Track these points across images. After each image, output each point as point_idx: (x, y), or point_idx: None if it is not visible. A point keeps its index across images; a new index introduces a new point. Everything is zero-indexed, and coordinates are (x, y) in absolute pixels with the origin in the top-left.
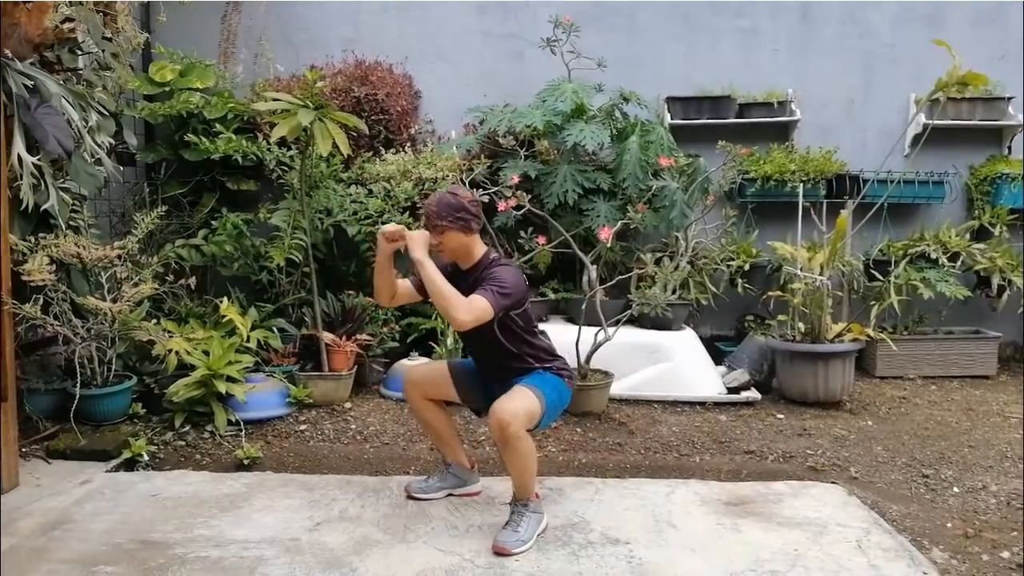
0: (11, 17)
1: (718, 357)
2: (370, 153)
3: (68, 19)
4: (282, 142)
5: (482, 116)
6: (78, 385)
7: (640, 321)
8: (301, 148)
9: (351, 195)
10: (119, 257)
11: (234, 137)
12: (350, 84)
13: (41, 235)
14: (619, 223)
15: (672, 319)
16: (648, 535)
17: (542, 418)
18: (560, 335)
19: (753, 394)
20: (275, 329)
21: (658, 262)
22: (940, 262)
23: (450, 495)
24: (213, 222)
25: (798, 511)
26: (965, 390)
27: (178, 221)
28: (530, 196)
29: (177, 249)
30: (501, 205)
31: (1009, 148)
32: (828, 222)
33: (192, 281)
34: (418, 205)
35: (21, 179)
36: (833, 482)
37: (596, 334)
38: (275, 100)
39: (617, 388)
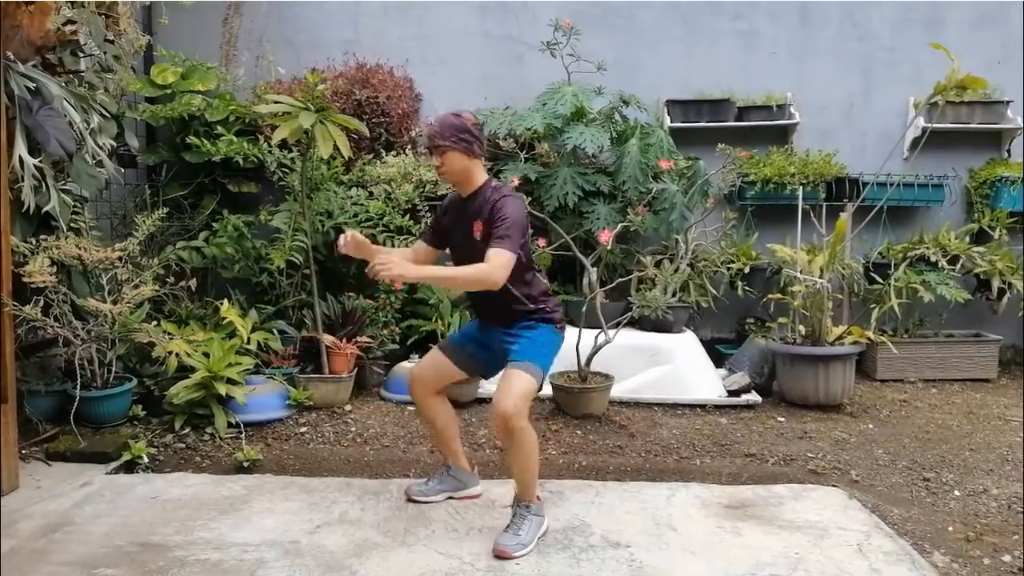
0: (13, 19)
1: (718, 360)
2: (371, 155)
3: (70, 21)
4: (283, 144)
5: (482, 119)
6: (78, 387)
7: (640, 324)
8: (302, 150)
9: (352, 197)
10: (120, 259)
11: (235, 139)
12: (351, 87)
13: (42, 237)
14: (619, 226)
15: (672, 322)
16: (648, 538)
17: (542, 381)
18: None
19: (753, 397)
20: (275, 331)
21: (658, 264)
22: (940, 265)
23: (450, 498)
24: (214, 224)
25: (799, 514)
26: (966, 393)
27: (179, 223)
28: (530, 198)
29: (178, 251)
30: None
31: (1008, 151)
32: (828, 225)
33: (192, 283)
34: (418, 207)
35: (22, 181)
36: (834, 485)
37: (596, 336)
38: (276, 102)
39: (617, 391)
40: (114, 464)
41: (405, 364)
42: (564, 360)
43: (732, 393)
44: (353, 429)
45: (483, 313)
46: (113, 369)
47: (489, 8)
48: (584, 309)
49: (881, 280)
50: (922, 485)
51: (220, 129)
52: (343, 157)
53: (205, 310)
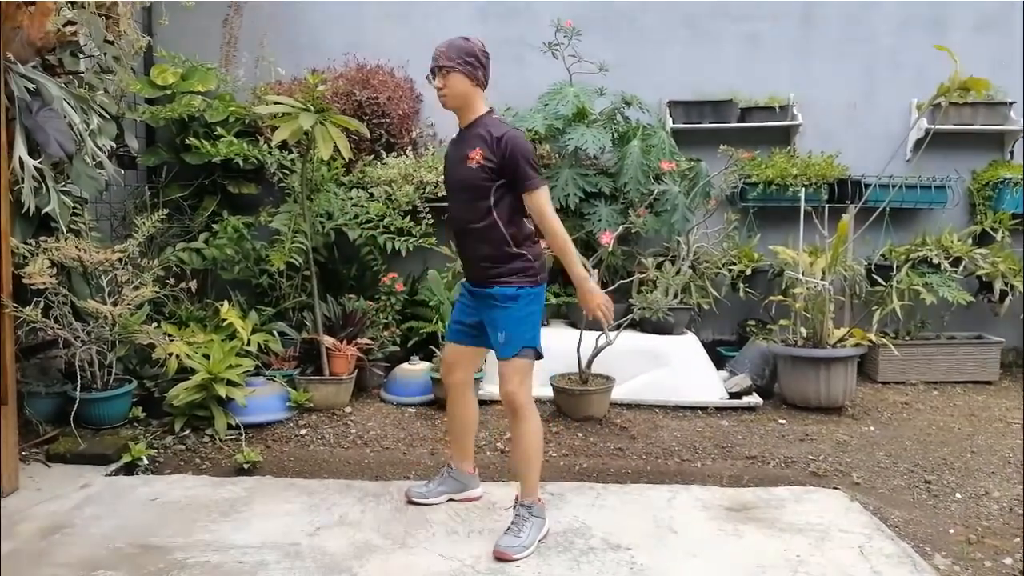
0: (13, 20)
1: (720, 362)
2: (371, 157)
3: (70, 22)
4: (283, 145)
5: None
6: (78, 389)
7: (641, 325)
8: (302, 152)
9: (352, 199)
10: (120, 260)
11: (235, 140)
12: (351, 88)
13: (42, 238)
14: (620, 227)
15: (674, 324)
16: (649, 541)
17: (534, 350)
18: (561, 339)
19: (755, 399)
20: (275, 333)
21: (660, 266)
22: (942, 267)
23: (451, 500)
24: (214, 225)
25: (800, 517)
26: (967, 395)
27: (179, 224)
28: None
29: (178, 252)
30: None
31: (1011, 153)
32: (830, 227)
33: (193, 284)
34: (419, 209)
35: (22, 182)
36: (835, 488)
37: (597, 338)
38: (276, 103)
39: (618, 393)
40: (114, 466)
41: (405, 366)
42: (565, 362)
43: (733, 395)
44: (353, 431)
45: (468, 258)
46: (113, 371)
47: (491, 9)
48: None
49: (883, 282)
50: (923, 487)
51: (220, 130)
52: (343, 158)
53: (205, 312)
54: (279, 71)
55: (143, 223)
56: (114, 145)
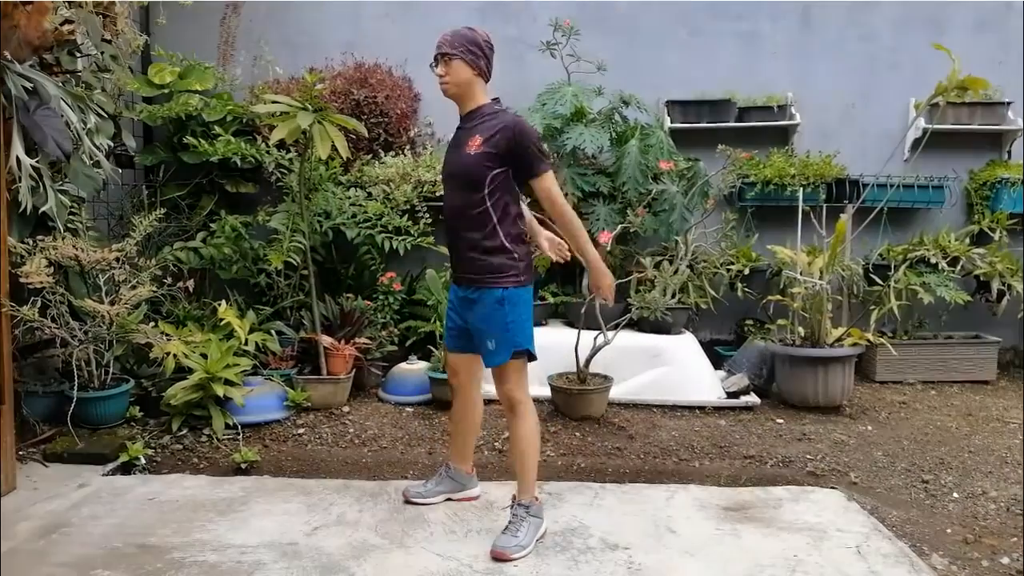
0: (10, 19)
1: (717, 361)
2: (369, 156)
3: (67, 21)
4: (281, 145)
5: None
6: (75, 388)
7: (639, 325)
8: (300, 151)
9: (350, 198)
10: (117, 260)
11: (233, 139)
12: (349, 87)
13: (39, 237)
14: (619, 227)
15: (671, 323)
16: (647, 540)
17: (526, 347)
18: (559, 339)
19: (752, 399)
20: (273, 332)
21: (658, 266)
22: (940, 267)
23: (448, 499)
24: (211, 224)
25: (798, 516)
26: (965, 395)
27: (176, 224)
28: (529, 199)
29: (175, 252)
30: None
31: (1009, 153)
32: (828, 226)
33: (190, 284)
34: (417, 208)
35: (20, 181)
36: (833, 487)
37: (595, 338)
38: (274, 102)
39: (616, 392)
40: (111, 465)
41: (403, 365)
42: (563, 361)
43: (731, 395)
44: (351, 430)
45: (454, 245)
46: (110, 370)
47: (489, 8)
48: (583, 310)
49: (881, 282)
50: (921, 487)
51: (218, 129)
52: (341, 157)
53: (203, 311)
54: (277, 70)
55: (140, 222)
56: (111, 144)
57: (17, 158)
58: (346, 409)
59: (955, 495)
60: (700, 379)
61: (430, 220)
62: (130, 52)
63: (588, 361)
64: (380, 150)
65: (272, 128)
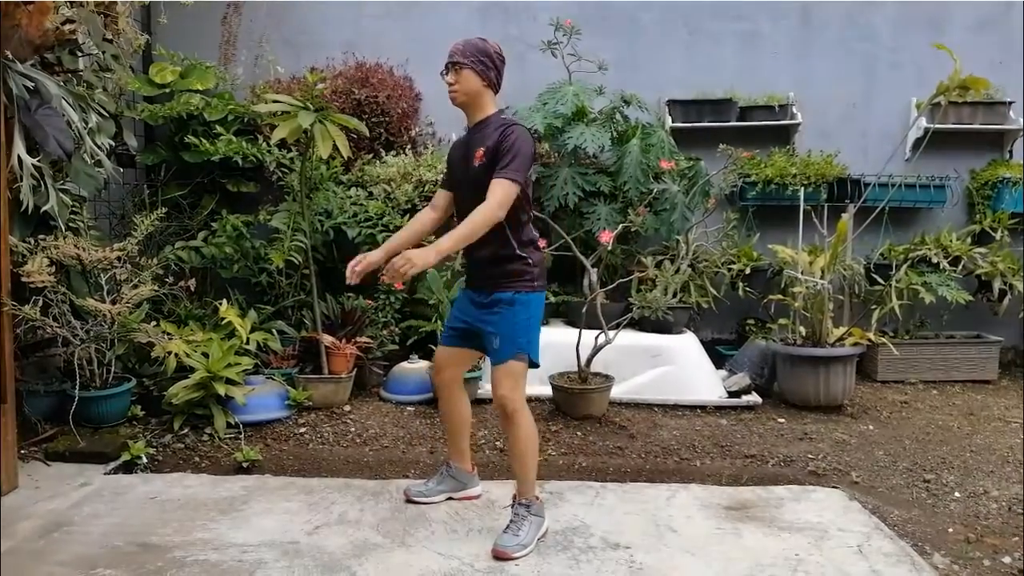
0: (12, 18)
1: (719, 361)
2: (370, 155)
3: (69, 20)
4: (282, 144)
5: None
6: (77, 387)
7: (641, 324)
8: (301, 150)
9: (351, 197)
10: (119, 259)
11: (234, 139)
12: (351, 86)
13: (41, 236)
14: (620, 226)
15: (673, 322)
16: (648, 539)
17: (529, 355)
18: (561, 338)
19: (754, 398)
20: (275, 331)
21: (659, 265)
22: (941, 266)
23: (450, 498)
24: (213, 224)
25: (799, 516)
26: (966, 394)
27: (178, 223)
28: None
29: (177, 251)
30: None
31: (1010, 152)
32: (829, 226)
33: (191, 283)
34: (418, 207)
35: (21, 180)
36: (834, 487)
37: (596, 337)
38: (275, 102)
39: (617, 391)
40: (113, 464)
41: (405, 364)
42: (564, 361)
43: (732, 394)
44: (352, 430)
45: (469, 254)
46: (112, 369)
47: (490, 8)
48: (584, 310)
49: (882, 281)
50: (922, 486)
51: (219, 128)
52: (342, 157)
53: (204, 310)
54: (278, 69)
55: (142, 221)
56: (113, 143)
57: (19, 157)
58: (347, 408)
59: (957, 494)
60: (701, 378)
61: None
62: (131, 51)
63: (589, 360)
64: (381, 149)
65: (273, 127)
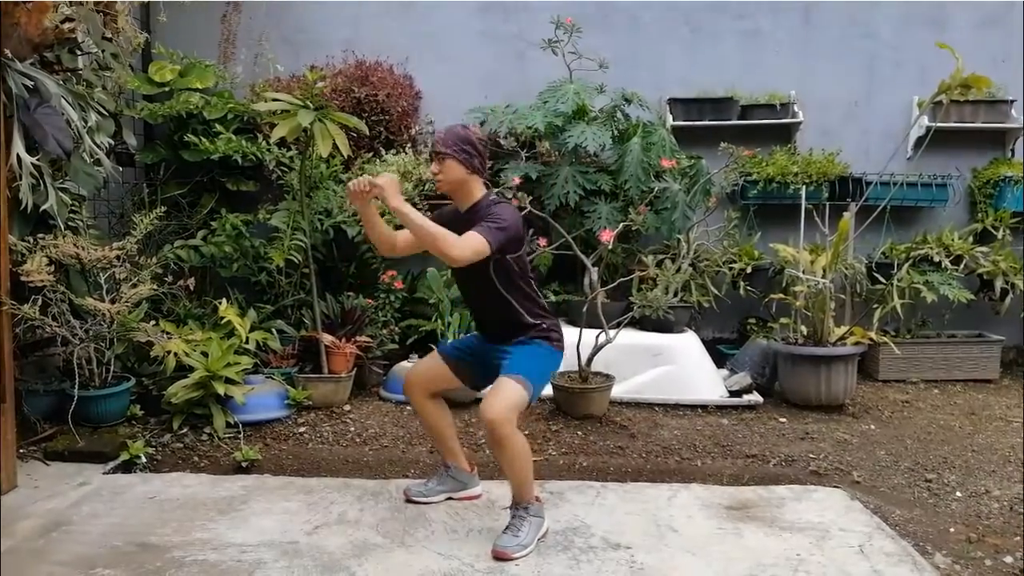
0: (11, 17)
1: (720, 360)
2: (370, 154)
3: (68, 19)
4: (282, 143)
5: (483, 117)
6: (76, 386)
7: (641, 324)
8: (301, 149)
9: None
10: (118, 258)
11: (234, 138)
12: (350, 85)
13: (40, 235)
14: (620, 225)
15: (674, 322)
16: (649, 539)
17: (532, 397)
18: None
19: (755, 397)
20: (274, 330)
21: (660, 264)
22: (943, 265)
23: (449, 499)
24: (212, 223)
25: (800, 515)
26: (968, 394)
27: (177, 222)
28: (531, 197)
29: (176, 250)
30: None
31: (1012, 151)
32: (830, 225)
33: (191, 282)
34: (418, 206)
35: (20, 179)
36: (835, 486)
37: (597, 336)
38: (275, 100)
39: (618, 391)
40: (112, 464)
41: (404, 364)
42: (565, 360)
43: (733, 393)
44: (352, 429)
45: (482, 325)
46: (111, 368)
47: (490, 6)
48: (585, 309)
49: (884, 280)
50: (924, 486)
51: (218, 127)
52: (342, 155)
53: (203, 309)
54: (278, 68)
55: (141, 220)
56: (112, 142)
57: (18, 156)
58: (347, 408)
59: (958, 494)
60: (702, 378)
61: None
62: (131, 50)
63: (590, 360)
64: (381, 148)
65: (273, 126)
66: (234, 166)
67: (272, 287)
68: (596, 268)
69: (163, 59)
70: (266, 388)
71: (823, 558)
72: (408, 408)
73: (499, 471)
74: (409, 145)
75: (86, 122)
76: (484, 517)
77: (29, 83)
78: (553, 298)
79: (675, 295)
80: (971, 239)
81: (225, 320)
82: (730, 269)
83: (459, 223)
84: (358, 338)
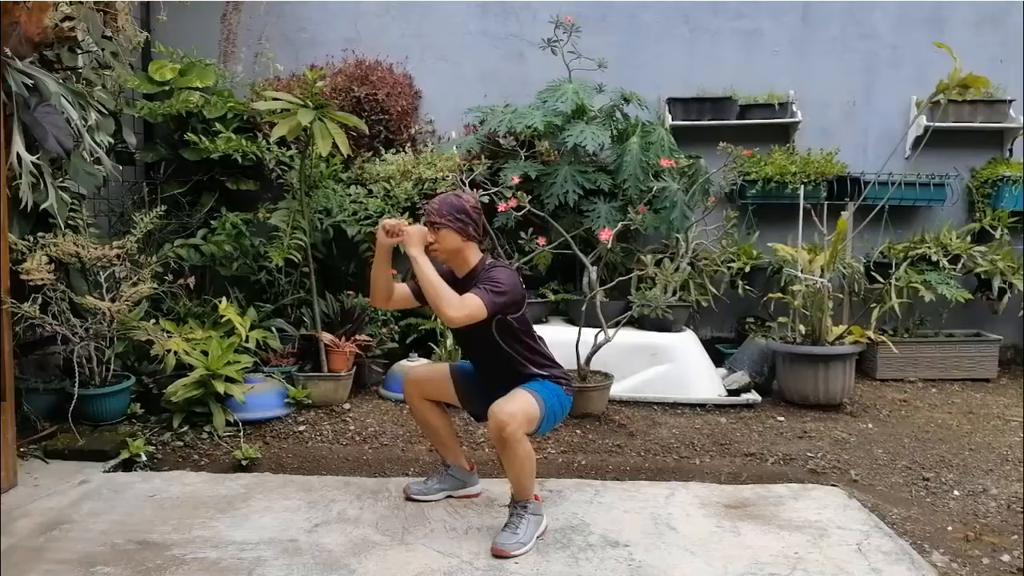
0: (11, 16)
1: (718, 359)
2: (370, 153)
3: (68, 18)
4: (282, 142)
5: (482, 116)
6: (76, 385)
7: (640, 323)
8: (301, 148)
9: (351, 195)
10: (118, 257)
11: (234, 136)
12: (350, 84)
13: (40, 234)
14: (619, 224)
15: (672, 321)
16: (648, 538)
17: (541, 423)
18: (560, 336)
19: (753, 396)
20: (274, 329)
21: (658, 263)
22: (941, 264)
23: (449, 497)
24: (212, 222)
25: (798, 514)
26: (966, 393)
27: (177, 221)
28: (530, 197)
29: (176, 249)
30: (501, 206)
31: (1010, 151)
32: (829, 224)
33: (191, 281)
34: (418, 205)
35: (20, 178)
36: (833, 485)
37: (596, 335)
38: (275, 99)
39: (617, 390)
40: (112, 462)
41: (404, 363)
42: (564, 359)
43: (732, 392)
44: (352, 427)
45: (483, 377)
46: (111, 367)
47: (490, 6)
48: (584, 308)
49: (882, 279)
50: (922, 485)
51: (218, 126)
52: (342, 155)
53: (203, 308)
54: (278, 67)
55: (141, 219)
56: (112, 141)
57: (18, 155)
58: (347, 406)
59: (956, 493)
60: (701, 377)
61: None
62: (131, 49)
63: (589, 359)
64: (381, 147)
65: (273, 125)
66: (234, 165)
67: (272, 286)
68: (595, 267)
69: (163, 58)
70: (266, 387)
71: (821, 556)
72: (407, 406)
73: (499, 469)
74: (409, 144)
75: (86, 121)
76: (483, 515)
77: (29, 82)
78: (552, 297)
79: (674, 294)
80: (969, 238)
81: (225, 319)
82: (728, 268)
83: (456, 288)
84: (358, 337)
